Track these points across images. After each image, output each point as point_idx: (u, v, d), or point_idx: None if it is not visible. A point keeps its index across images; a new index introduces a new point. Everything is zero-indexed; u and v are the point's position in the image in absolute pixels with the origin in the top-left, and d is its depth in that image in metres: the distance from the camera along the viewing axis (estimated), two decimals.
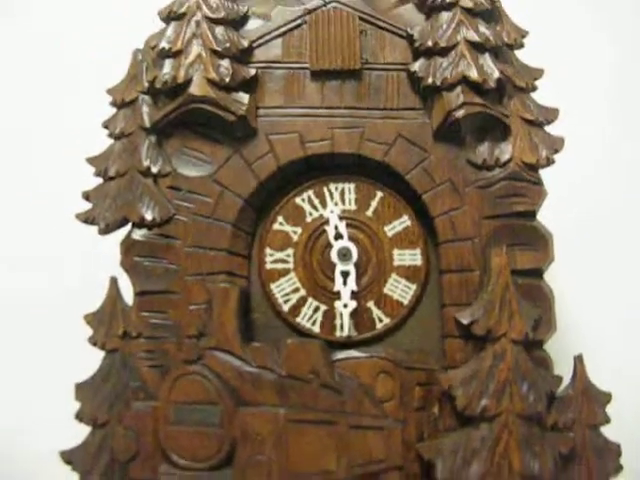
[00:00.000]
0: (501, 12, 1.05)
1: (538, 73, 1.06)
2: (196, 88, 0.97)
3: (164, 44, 0.99)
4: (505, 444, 0.93)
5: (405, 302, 1.02)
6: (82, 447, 1.00)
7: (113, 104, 1.04)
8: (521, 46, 1.06)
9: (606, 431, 1.00)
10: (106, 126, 1.04)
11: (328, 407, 0.92)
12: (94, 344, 1.00)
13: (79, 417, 1.00)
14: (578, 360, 1.00)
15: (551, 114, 1.04)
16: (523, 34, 1.06)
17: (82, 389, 1.01)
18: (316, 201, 1.03)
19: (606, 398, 1.01)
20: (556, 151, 1.02)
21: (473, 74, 0.97)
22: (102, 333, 1.00)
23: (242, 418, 0.90)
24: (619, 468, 0.99)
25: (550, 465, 0.93)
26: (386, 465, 0.95)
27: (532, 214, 1.00)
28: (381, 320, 1.02)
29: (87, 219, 1.02)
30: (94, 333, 1.01)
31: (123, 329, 0.99)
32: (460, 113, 0.97)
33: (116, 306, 1.00)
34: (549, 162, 1.01)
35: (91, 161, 1.04)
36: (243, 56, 1.01)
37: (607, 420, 0.99)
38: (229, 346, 0.92)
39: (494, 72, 0.98)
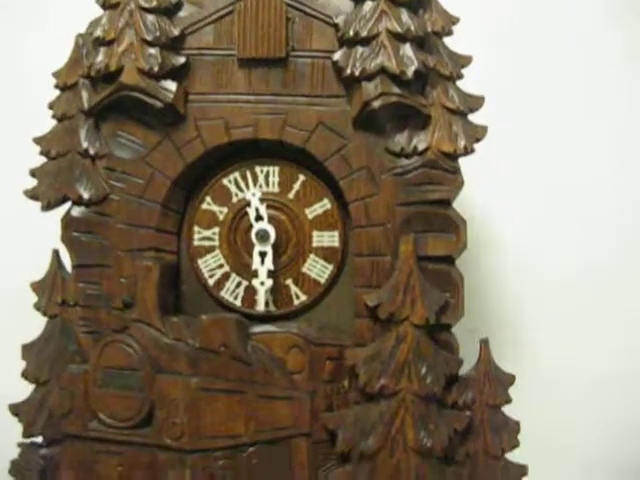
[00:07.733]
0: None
1: (466, 60, 1.06)
2: (126, 77, 1.00)
3: (99, 32, 1.02)
4: (401, 420, 0.98)
5: (322, 281, 1.07)
6: (26, 402, 1.10)
7: (57, 87, 1.09)
8: (449, 33, 1.06)
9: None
10: (51, 107, 1.10)
11: (238, 377, 1.00)
12: (38, 309, 1.10)
13: (24, 375, 1.10)
14: (483, 344, 1.05)
15: (475, 102, 1.05)
16: (454, 21, 1.06)
17: (28, 350, 1.10)
18: (242, 183, 1.08)
19: (509, 380, 1.05)
20: (477, 140, 1.04)
21: (392, 65, 0.97)
22: (44, 300, 1.09)
23: (159, 384, 0.99)
24: (515, 445, 1.04)
25: (443, 440, 0.99)
26: (294, 431, 1.02)
27: (447, 202, 1.02)
28: (298, 297, 1.07)
29: (33, 196, 1.10)
30: (38, 300, 1.10)
31: (62, 298, 1.08)
32: (377, 103, 0.98)
33: (57, 276, 1.09)
34: (467, 151, 1.02)
35: (37, 141, 1.10)
36: (174, 44, 1.03)
37: (508, 400, 1.04)
38: (149, 319, 1.00)
39: (413, 63, 0.98)
